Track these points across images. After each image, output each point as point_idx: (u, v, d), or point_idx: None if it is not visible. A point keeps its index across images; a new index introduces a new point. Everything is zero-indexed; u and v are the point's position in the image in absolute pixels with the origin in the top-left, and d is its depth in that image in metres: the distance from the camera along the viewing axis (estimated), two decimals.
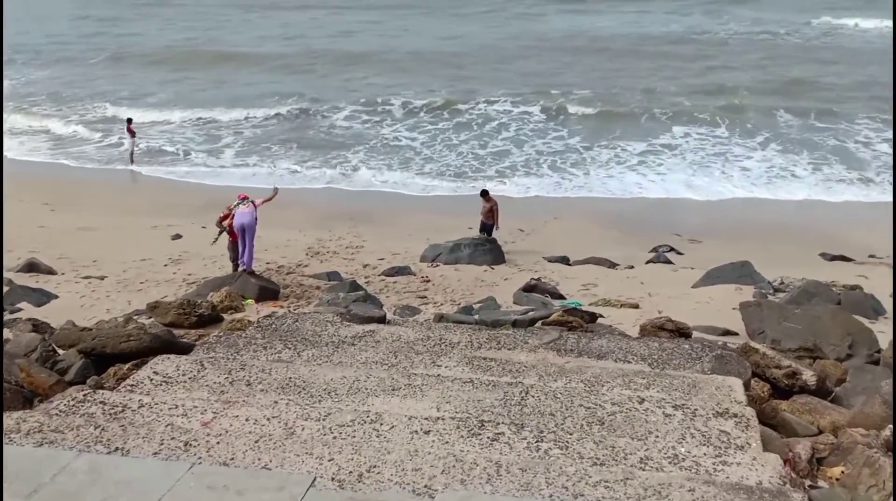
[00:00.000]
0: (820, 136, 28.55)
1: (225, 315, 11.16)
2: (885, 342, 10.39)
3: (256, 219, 13.28)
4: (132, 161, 26.23)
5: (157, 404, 5.63)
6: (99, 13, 64.01)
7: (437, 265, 15.86)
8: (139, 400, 5.70)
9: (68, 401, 5.65)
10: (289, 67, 41.62)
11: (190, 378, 6.51)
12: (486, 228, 17.64)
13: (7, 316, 10.97)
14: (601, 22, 56.22)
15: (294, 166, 25.96)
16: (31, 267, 14.10)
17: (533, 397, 6.39)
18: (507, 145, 27.95)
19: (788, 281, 15.47)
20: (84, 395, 5.80)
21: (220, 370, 6.62)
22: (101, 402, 5.65)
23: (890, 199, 22.26)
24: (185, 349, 7.74)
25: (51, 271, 14.22)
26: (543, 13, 61.03)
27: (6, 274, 13.24)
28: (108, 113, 32.74)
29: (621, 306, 13.25)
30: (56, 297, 12.34)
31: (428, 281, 14.56)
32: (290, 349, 7.59)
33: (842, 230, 20.86)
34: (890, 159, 25.79)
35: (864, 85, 36.51)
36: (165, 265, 14.89)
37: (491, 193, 18.32)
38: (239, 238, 13.19)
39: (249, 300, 11.98)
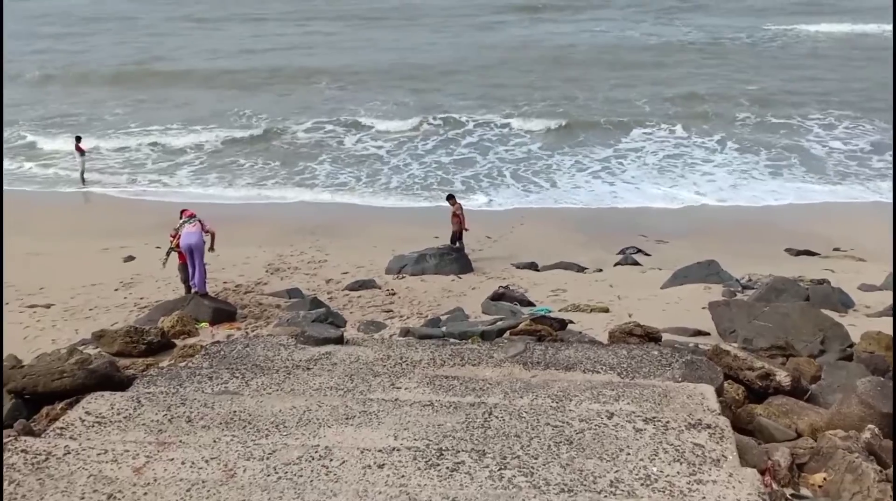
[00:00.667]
0: (775, 137, 28.84)
1: (177, 341, 10.64)
2: (856, 336, 10.21)
3: (205, 238, 12.67)
4: (83, 181, 25.41)
5: (84, 449, 5.15)
6: (48, 30, 62.68)
7: (403, 277, 15.46)
8: (66, 446, 5.21)
9: None
10: (245, 83, 40.85)
11: (125, 417, 6.02)
12: (456, 236, 17.32)
13: None
14: (559, 30, 56.25)
15: (254, 181, 25.47)
16: None
17: (497, 417, 6.00)
18: (472, 153, 27.75)
19: (756, 278, 15.33)
20: (5, 443, 5.30)
21: (158, 407, 6.13)
22: (23, 451, 5.15)
23: (843, 195, 22.54)
24: (125, 384, 7.23)
25: None
26: (502, 22, 60.87)
27: None
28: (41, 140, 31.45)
29: (591, 310, 12.98)
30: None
31: (393, 294, 14.15)
32: (237, 378, 7.12)
33: (804, 225, 20.89)
34: (844, 157, 26.25)
35: (815, 86, 36.94)
36: (116, 290, 14.29)
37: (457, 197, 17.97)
38: (188, 259, 12.60)
39: (203, 324, 11.47)
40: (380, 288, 14.43)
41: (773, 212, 21.99)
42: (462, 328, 11.07)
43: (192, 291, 12.48)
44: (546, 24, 59.63)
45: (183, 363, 7.99)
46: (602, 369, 7.49)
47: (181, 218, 12.71)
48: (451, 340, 10.64)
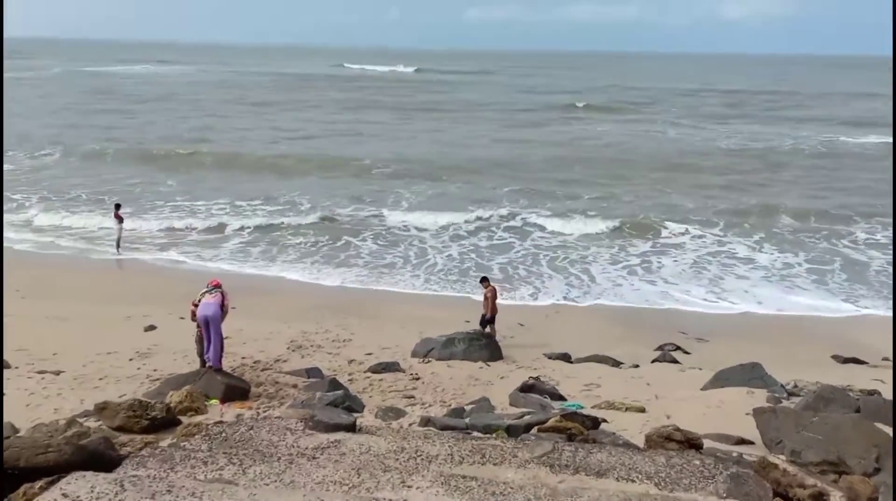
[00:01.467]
0: (816, 241, 28.22)
1: (184, 418, 10.05)
2: None
3: (224, 310, 12.16)
4: (118, 247, 25.48)
5: None
6: (111, 105, 64.95)
7: (429, 361, 14.80)
8: None
9: None
10: (294, 167, 41.38)
11: None
12: (485, 320, 16.76)
13: None
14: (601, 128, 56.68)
15: (296, 258, 25.45)
16: None
17: None
18: (511, 238, 27.55)
19: (802, 385, 14.41)
20: None
21: (142, 493, 5.53)
22: None
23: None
24: (115, 463, 6.65)
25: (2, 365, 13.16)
26: (548, 119, 61.72)
27: None
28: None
29: (626, 409, 12.15)
30: (1, 394, 11.26)
31: (417, 379, 13.48)
32: (234, 464, 6.51)
33: (851, 332, 19.91)
34: (886, 263, 25.50)
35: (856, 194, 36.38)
36: (131, 360, 13.83)
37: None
38: (203, 331, 12.10)
39: (214, 401, 10.89)
40: (403, 372, 13.78)
41: (818, 317, 21.08)
42: (487, 420, 10.35)
43: (206, 365, 11.94)
44: (589, 122, 60.51)
45: (182, 444, 7.39)
46: (638, 477, 6.73)
47: (205, 288, 12.28)
48: (475, 432, 9.96)
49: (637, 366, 15.30)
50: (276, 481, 6.22)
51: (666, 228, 29.41)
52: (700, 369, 15.17)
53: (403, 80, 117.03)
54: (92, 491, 5.58)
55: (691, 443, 8.53)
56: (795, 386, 13.96)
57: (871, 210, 32.81)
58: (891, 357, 16.74)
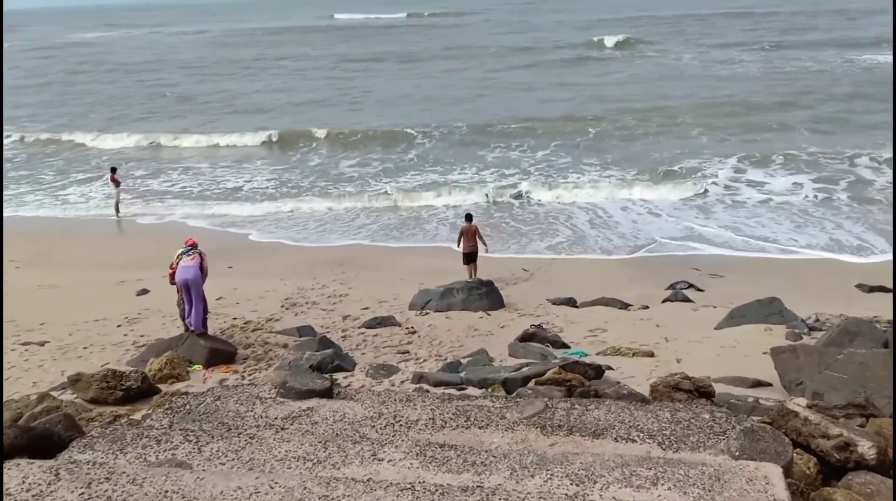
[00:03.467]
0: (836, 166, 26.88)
1: (163, 386, 9.53)
2: None
3: (204, 271, 11.50)
4: (118, 212, 24.96)
5: None
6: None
7: (427, 313, 14.16)
8: None
9: None
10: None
11: (34, 496, 4.84)
12: (472, 257, 16.63)
13: None
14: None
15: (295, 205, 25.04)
16: None
17: None
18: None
19: (824, 319, 13.64)
20: None
21: (77, 482, 4.94)
22: None
23: None
24: (62, 446, 6.06)
25: None
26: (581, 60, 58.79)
27: None
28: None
29: (633, 354, 11.48)
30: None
31: (413, 332, 12.87)
32: (191, 442, 5.90)
33: (876, 259, 19.02)
34: None
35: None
36: (119, 326, 13.30)
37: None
38: (184, 294, 11.46)
39: (196, 366, 10.35)
40: (399, 326, 13.15)
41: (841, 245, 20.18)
42: (483, 374, 9.75)
43: (189, 329, 11.34)
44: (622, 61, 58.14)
45: (140, 420, 6.81)
46: (639, 436, 6.05)
47: (181, 249, 11.59)
48: (470, 388, 9.35)
49: (647, 307, 14.58)
50: (233, 459, 5.60)
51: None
52: (714, 307, 14.43)
53: (407, 25, 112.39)
54: (23, 483, 4.99)
55: (701, 392, 7.85)
56: (817, 320, 13.21)
57: None
58: None
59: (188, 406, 6.92)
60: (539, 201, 24.36)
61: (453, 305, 14.40)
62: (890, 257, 18.95)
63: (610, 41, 68.07)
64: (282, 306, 14.46)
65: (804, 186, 24.80)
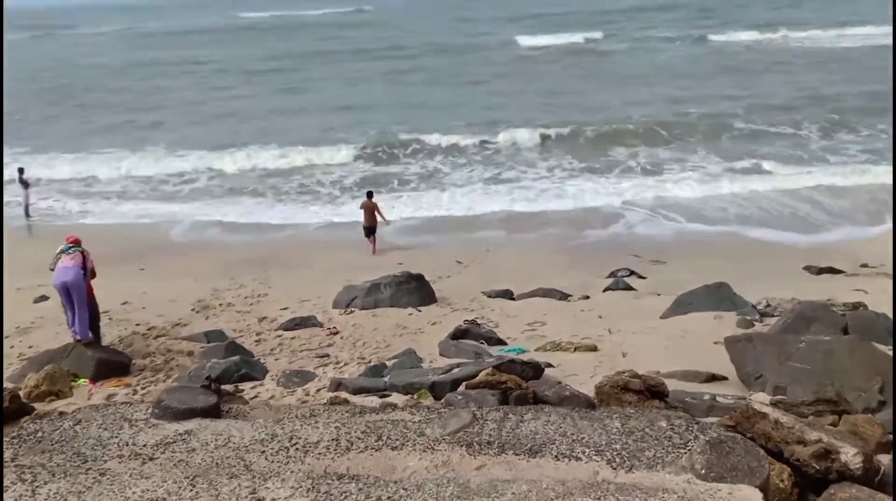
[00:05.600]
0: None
1: (39, 405, 8.13)
2: None
3: (88, 271, 9.99)
4: (28, 215, 23.06)
5: None
6: None
7: (352, 312, 12.96)
8: None
9: None
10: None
11: None
12: (372, 230, 18.35)
13: None
14: None
15: (209, 202, 23.78)
16: None
17: None
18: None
19: (775, 303, 12.89)
20: None
21: None
22: None
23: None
24: None
25: None
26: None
27: None
28: None
29: (575, 349, 10.52)
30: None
31: (335, 333, 11.67)
32: (25, 481, 4.64)
33: (820, 237, 18.65)
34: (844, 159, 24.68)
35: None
36: (7, 337, 11.73)
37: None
38: (64, 300, 9.99)
39: (82, 381, 8.97)
40: (321, 326, 11.93)
41: (782, 221, 19.80)
42: (409, 378, 8.62)
43: (75, 339, 9.85)
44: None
45: None
46: (584, 453, 5.01)
47: (61, 246, 10.07)
48: (394, 394, 8.23)
49: (587, 297, 13.67)
50: None
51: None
52: (658, 294, 13.61)
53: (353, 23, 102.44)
54: None
55: (654, 392, 6.84)
56: (768, 305, 12.45)
57: None
58: (870, 264, 15.45)
59: (40, 434, 5.64)
60: None
61: (380, 301, 13.22)
62: (833, 236, 18.66)
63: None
64: (192, 310, 13.05)
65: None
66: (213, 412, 5.89)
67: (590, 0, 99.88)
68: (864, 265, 15.33)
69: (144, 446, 5.36)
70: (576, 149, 27.70)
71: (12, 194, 24.66)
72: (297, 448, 5.24)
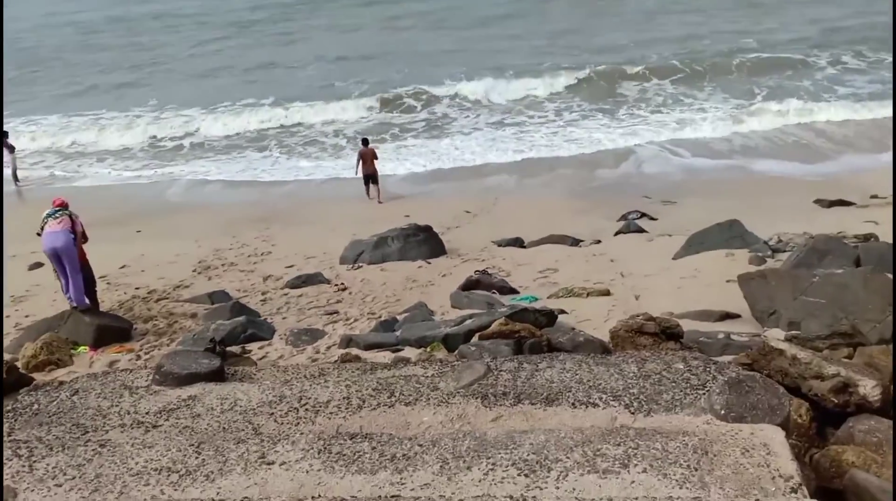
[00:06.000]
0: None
1: (38, 375, 8.00)
2: None
3: (77, 235, 9.72)
4: (16, 180, 22.81)
5: None
6: None
7: (360, 267, 12.79)
8: None
9: None
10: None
11: None
12: (373, 178, 18.25)
13: None
14: None
15: (208, 160, 23.55)
16: None
17: None
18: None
19: (787, 238, 12.65)
20: None
21: None
22: None
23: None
24: None
25: None
26: None
27: None
28: None
29: (588, 294, 10.34)
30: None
31: (344, 289, 11.50)
32: (21, 456, 4.50)
33: (829, 170, 18.31)
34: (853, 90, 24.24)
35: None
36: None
37: None
38: (56, 266, 9.75)
39: (82, 348, 8.84)
40: (328, 283, 11.76)
41: (790, 154, 19.45)
42: (421, 331, 8.48)
43: (71, 305, 9.69)
44: None
45: None
46: (601, 399, 4.84)
47: (48, 210, 9.77)
48: (406, 348, 8.08)
49: (599, 242, 13.44)
50: (73, 478, 4.22)
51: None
52: (670, 235, 13.36)
53: None
54: None
55: (669, 334, 6.68)
56: (780, 241, 12.22)
57: None
58: (880, 195, 15.14)
59: (37, 406, 5.50)
60: None
61: (388, 255, 13.03)
62: (841, 167, 18.36)
63: None
64: (194, 271, 12.87)
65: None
66: (217, 376, 5.74)
67: None
68: (874, 196, 15.02)
69: (147, 414, 5.22)
70: (582, 90, 27.17)
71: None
72: (306, 409, 5.10)
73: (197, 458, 4.31)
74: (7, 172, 23.32)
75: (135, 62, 40.87)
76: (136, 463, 4.30)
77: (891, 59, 25.87)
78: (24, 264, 13.94)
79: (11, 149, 22.74)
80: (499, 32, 39.61)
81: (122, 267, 13.09)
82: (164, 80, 36.02)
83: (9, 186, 22.28)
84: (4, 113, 29.92)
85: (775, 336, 7.49)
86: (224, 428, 4.90)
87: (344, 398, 5.21)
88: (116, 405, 5.36)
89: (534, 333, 7.30)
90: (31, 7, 68.14)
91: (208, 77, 35.76)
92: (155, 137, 26.52)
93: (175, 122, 27.73)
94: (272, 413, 5.07)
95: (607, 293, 10.20)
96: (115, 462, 4.33)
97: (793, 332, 7.85)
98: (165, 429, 4.96)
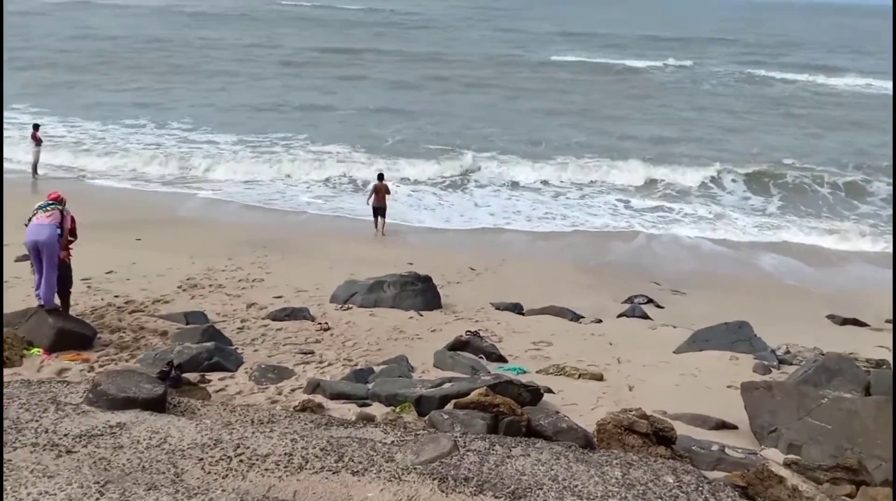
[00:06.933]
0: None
1: None
2: None
3: (65, 232, 9.26)
4: (35, 172, 22.56)
5: None
6: None
7: (349, 308, 12.23)
8: None
9: None
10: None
11: None
12: (382, 211, 18.60)
13: None
14: None
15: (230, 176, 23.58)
16: None
17: None
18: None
19: (796, 350, 12.04)
20: None
21: None
22: None
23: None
24: None
25: None
26: None
27: None
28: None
29: (580, 375, 9.71)
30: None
31: (326, 329, 10.93)
32: None
33: (847, 285, 17.70)
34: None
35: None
36: None
37: None
38: (33, 259, 9.28)
39: (36, 350, 8.27)
40: (312, 320, 11.20)
41: (810, 263, 18.89)
42: (395, 387, 7.85)
43: (39, 303, 9.16)
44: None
45: None
46: None
47: (39, 203, 9.34)
48: (375, 404, 7.48)
49: (600, 321, 12.84)
50: None
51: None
52: (674, 327, 12.76)
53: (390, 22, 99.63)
54: None
55: (660, 436, 6.06)
56: (788, 352, 11.60)
57: None
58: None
59: None
60: None
61: (381, 301, 12.47)
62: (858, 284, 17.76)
63: None
64: (179, 287, 12.35)
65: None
66: (156, 405, 5.17)
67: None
68: (889, 321, 14.41)
69: (65, 436, 4.64)
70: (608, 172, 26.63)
71: (25, 150, 24.20)
72: (241, 460, 4.50)
73: (96, 500, 3.72)
74: (22, 163, 23.20)
75: (176, 82, 40.88)
76: (28, 495, 3.71)
77: None
78: (12, 254, 13.47)
79: (39, 142, 22.57)
80: (538, 107, 38.86)
81: (109, 272, 12.62)
82: (199, 101, 35.80)
83: (26, 177, 22.07)
84: (44, 110, 30.01)
85: (773, 458, 6.88)
86: (143, 467, 4.32)
87: (286, 453, 4.62)
88: (36, 421, 4.79)
89: (514, 410, 6.70)
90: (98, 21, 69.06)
91: (250, 109, 35.24)
92: (181, 152, 26.27)
93: (205, 140, 27.58)
94: (201, 459, 4.48)
95: (600, 378, 9.57)
96: (3, 489, 3.75)
97: (792, 456, 7.20)
98: (79, 457, 4.37)
